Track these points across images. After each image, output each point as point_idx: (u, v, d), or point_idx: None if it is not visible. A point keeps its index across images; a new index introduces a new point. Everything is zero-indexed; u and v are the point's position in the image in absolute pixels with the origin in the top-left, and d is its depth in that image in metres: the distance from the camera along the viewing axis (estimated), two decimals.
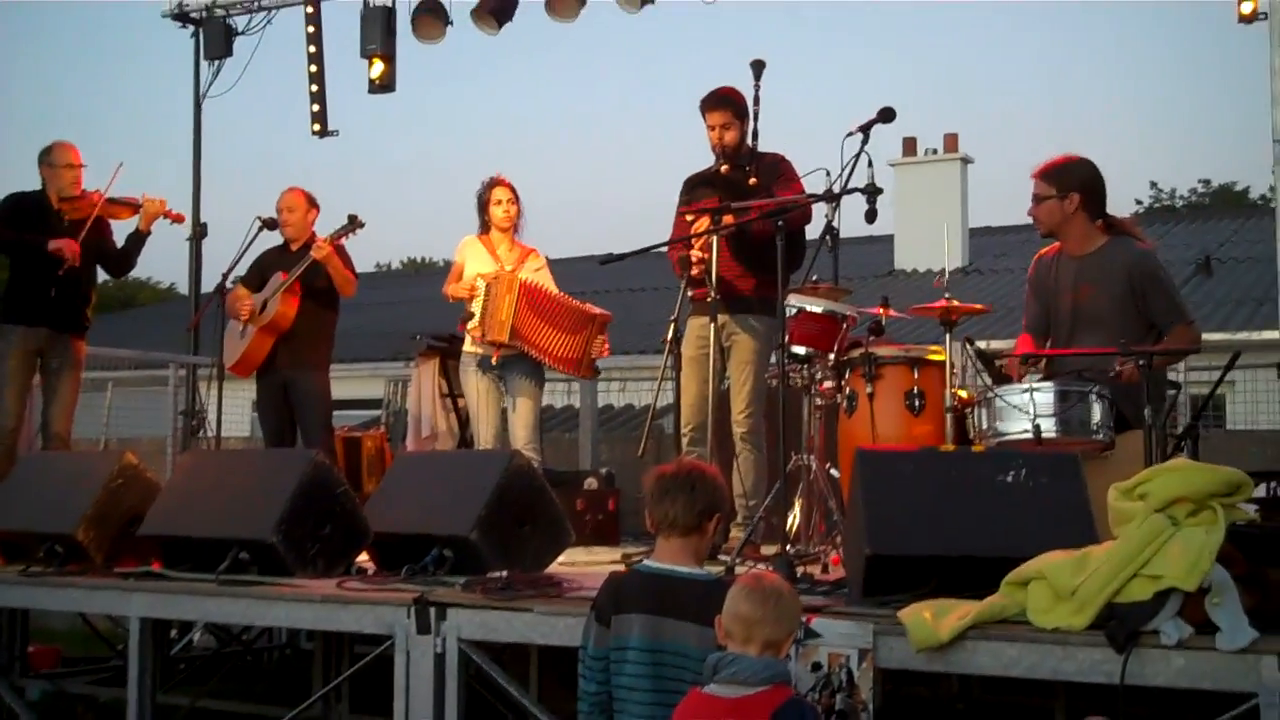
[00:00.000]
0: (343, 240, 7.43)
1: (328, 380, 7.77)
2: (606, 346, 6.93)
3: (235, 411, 10.23)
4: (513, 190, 7.20)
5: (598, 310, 6.92)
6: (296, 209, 7.69)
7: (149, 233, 7.57)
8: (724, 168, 6.37)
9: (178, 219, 7.67)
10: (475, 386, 7.16)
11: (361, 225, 7.42)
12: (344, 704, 6.98)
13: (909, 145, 20.64)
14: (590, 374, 7.21)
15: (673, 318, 5.94)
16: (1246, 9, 8.26)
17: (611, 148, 77.69)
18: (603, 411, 9.84)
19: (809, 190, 6.02)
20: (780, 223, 5.05)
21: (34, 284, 7.22)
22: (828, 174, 5.61)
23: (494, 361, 6.97)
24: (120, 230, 7.68)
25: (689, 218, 6.16)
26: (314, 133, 10.61)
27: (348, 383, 13.79)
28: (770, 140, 6.45)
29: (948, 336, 5.08)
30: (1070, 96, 71.61)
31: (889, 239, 20.66)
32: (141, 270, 38.62)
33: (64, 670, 8.01)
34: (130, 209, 7.49)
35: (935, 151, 20.53)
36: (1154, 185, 40.70)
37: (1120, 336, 5.05)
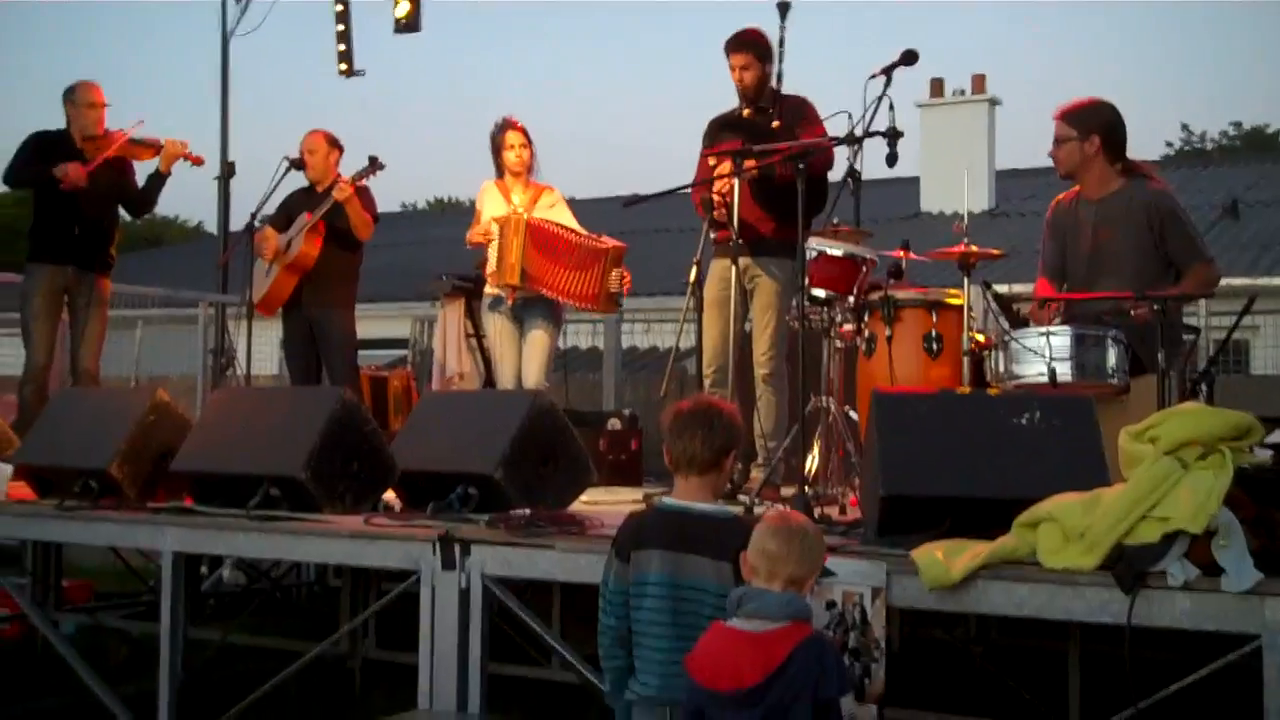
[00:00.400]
0: (364, 181, 7.49)
1: (353, 319, 7.87)
2: (627, 279, 6.88)
3: (265, 349, 10.31)
4: (524, 133, 7.23)
5: (610, 242, 6.84)
6: (318, 150, 7.77)
7: (169, 173, 7.67)
8: (746, 111, 6.41)
9: (198, 161, 7.74)
10: (495, 328, 7.26)
11: (382, 166, 7.50)
12: (370, 639, 7.14)
13: (936, 86, 20.50)
14: (610, 307, 7.11)
15: (695, 260, 6.01)
16: None
17: (639, 87, 77.39)
18: (627, 353, 9.90)
19: (831, 133, 6.05)
20: (801, 166, 5.08)
21: (58, 223, 7.34)
22: (850, 117, 5.62)
23: (510, 303, 7.05)
24: (143, 172, 7.78)
25: (711, 161, 6.20)
26: (340, 72, 10.67)
27: (374, 322, 13.88)
28: (799, 81, 6.46)
29: (965, 280, 5.12)
30: (1101, 38, 70.81)
31: (915, 180, 20.57)
32: (169, 208, 38.84)
33: (97, 604, 8.20)
34: (152, 150, 7.60)
35: (963, 92, 20.38)
36: (1185, 128, 40.49)
37: (1139, 278, 5.10)
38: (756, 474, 6.13)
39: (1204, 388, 5.03)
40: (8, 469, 5.99)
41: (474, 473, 5.08)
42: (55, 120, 7.63)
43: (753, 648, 3.29)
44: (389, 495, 5.50)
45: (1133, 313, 4.93)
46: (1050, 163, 5.64)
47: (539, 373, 7.09)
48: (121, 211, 7.87)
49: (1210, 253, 5.40)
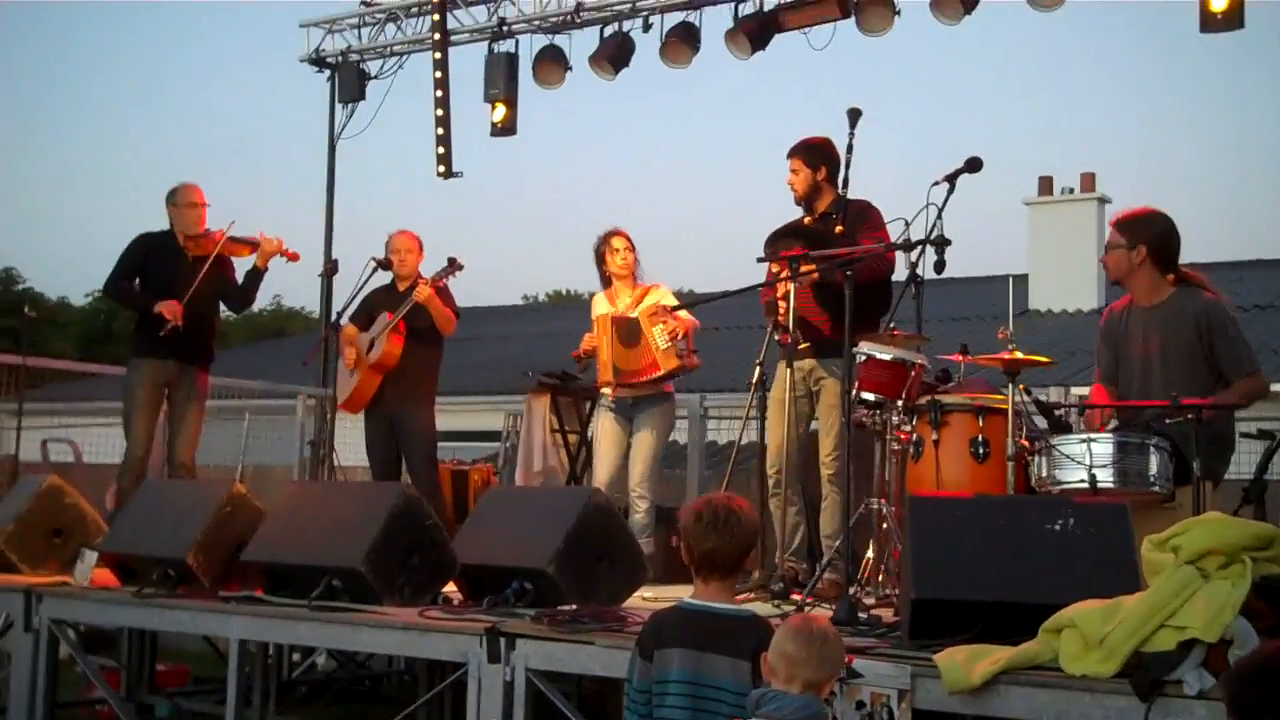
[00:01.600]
0: (444, 282, 7.73)
1: (433, 415, 8.06)
2: (677, 326, 6.96)
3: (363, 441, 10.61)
4: (627, 238, 7.39)
5: (651, 311, 7.02)
6: (414, 251, 8.04)
7: (266, 269, 7.94)
8: (808, 219, 6.55)
9: (293, 257, 8.02)
10: (600, 427, 7.43)
11: (461, 267, 7.73)
12: None
13: (1045, 184, 20.43)
14: (670, 362, 7.01)
15: (758, 361, 6.14)
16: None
17: (727, 184, 78.19)
18: (708, 446, 9.99)
19: (898, 235, 6.16)
20: (849, 273, 5.20)
21: (160, 320, 7.65)
22: (906, 224, 5.75)
23: (611, 401, 7.23)
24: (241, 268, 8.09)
25: (774, 267, 6.33)
26: (439, 174, 11.00)
27: (470, 415, 14.17)
28: (893, 181, 6.52)
29: (1010, 385, 5.17)
30: (1213, 135, 69.86)
31: (1024, 278, 20.48)
32: (295, 301, 39.98)
33: (192, 689, 8.42)
34: (249, 247, 7.89)
35: (1072, 190, 20.29)
36: None
37: (1188, 386, 5.10)
38: (833, 575, 6.13)
39: (1256, 496, 5.00)
40: (93, 556, 6.27)
41: (529, 568, 5.22)
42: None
43: None
44: (450, 588, 5.66)
45: (1167, 420, 4.94)
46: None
47: (644, 470, 7.16)
48: (223, 307, 8.18)
49: (1256, 365, 5.40)
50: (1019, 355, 5.18)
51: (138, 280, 7.89)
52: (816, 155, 6.51)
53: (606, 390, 7.24)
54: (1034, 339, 17.68)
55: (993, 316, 18.45)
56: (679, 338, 6.98)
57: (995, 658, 3.85)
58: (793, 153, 6.55)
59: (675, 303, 7.29)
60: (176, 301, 7.56)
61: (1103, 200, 20.06)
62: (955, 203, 5.60)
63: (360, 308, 8.10)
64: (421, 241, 8.10)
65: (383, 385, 7.85)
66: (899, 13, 9.01)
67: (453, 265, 7.71)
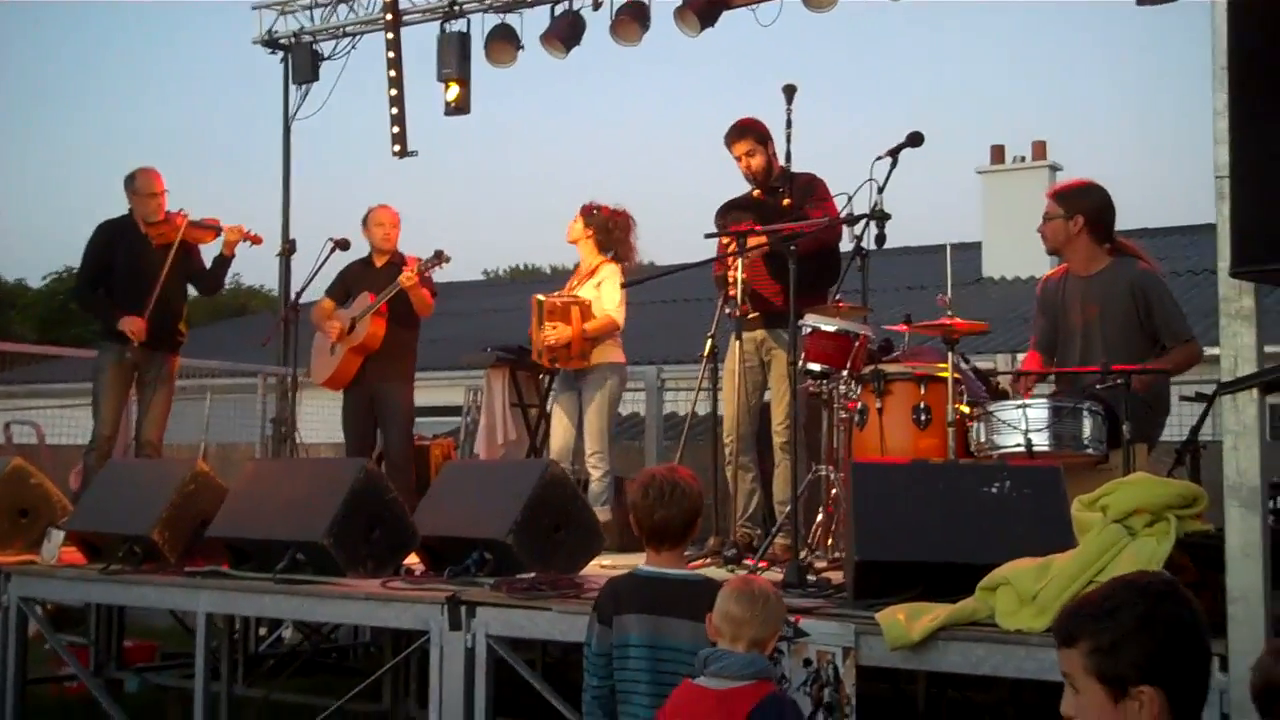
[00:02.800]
0: (429, 273, 7.83)
1: (411, 392, 8.21)
2: (553, 338, 7.22)
3: (326, 419, 10.69)
4: (583, 210, 7.59)
5: (540, 297, 7.33)
6: (396, 226, 8.16)
7: (233, 255, 8.08)
8: (757, 191, 6.70)
9: (257, 240, 8.11)
10: (556, 399, 7.68)
11: (448, 259, 7.84)
12: (412, 699, 7.40)
13: (997, 153, 20.66)
14: (545, 362, 7.49)
15: (709, 334, 6.30)
16: None
17: (673, 159, 78.54)
18: (667, 418, 10.14)
19: (841, 208, 6.32)
20: (793, 247, 5.35)
21: (128, 304, 7.74)
22: (849, 198, 5.92)
23: (548, 375, 7.41)
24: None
25: (724, 240, 6.49)
26: (394, 154, 11.06)
27: (432, 390, 14.26)
28: (845, 154, 6.65)
29: (950, 354, 5.34)
30: (1161, 103, 70.42)
31: (977, 246, 20.72)
32: (255, 279, 39.89)
33: (161, 664, 8.53)
34: (212, 232, 7.99)
35: (1023, 159, 20.53)
36: None
37: (1126, 353, 5.29)
38: (783, 539, 6.31)
39: (1188, 457, 5.19)
40: (60, 535, 6.38)
41: (488, 538, 5.38)
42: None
43: (719, 704, 3.53)
44: (412, 560, 5.80)
45: (1096, 386, 5.12)
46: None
47: (595, 442, 7.35)
48: (191, 290, 8.28)
49: (1190, 333, 5.58)
50: (957, 322, 5.35)
51: (109, 271, 7.97)
52: (763, 134, 6.68)
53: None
54: (987, 306, 17.93)
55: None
56: (555, 344, 7.23)
57: (934, 615, 4.03)
58: (741, 135, 6.70)
59: (611, 285, 7.42)
60: (140, 319, 7.66)
61: (1054, 168, 20.30)
62: (911, 172, 5.78)
63: (336, 282, 8.19)
64: (398, 215, 8.21)
65: (364, 364, 7.97)
66: None
67: (439, 257, 7.79)
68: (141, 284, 7.72)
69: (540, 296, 7.36)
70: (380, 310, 7.84)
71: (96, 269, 7.99)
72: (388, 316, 7.90)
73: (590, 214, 7.54)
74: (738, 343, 6.32)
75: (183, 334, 8.13)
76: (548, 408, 8.48)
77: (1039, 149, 20.44)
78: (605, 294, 7.37)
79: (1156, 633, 2.31)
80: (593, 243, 7.53)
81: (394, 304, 7.87)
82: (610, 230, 7.53)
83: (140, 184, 7.94)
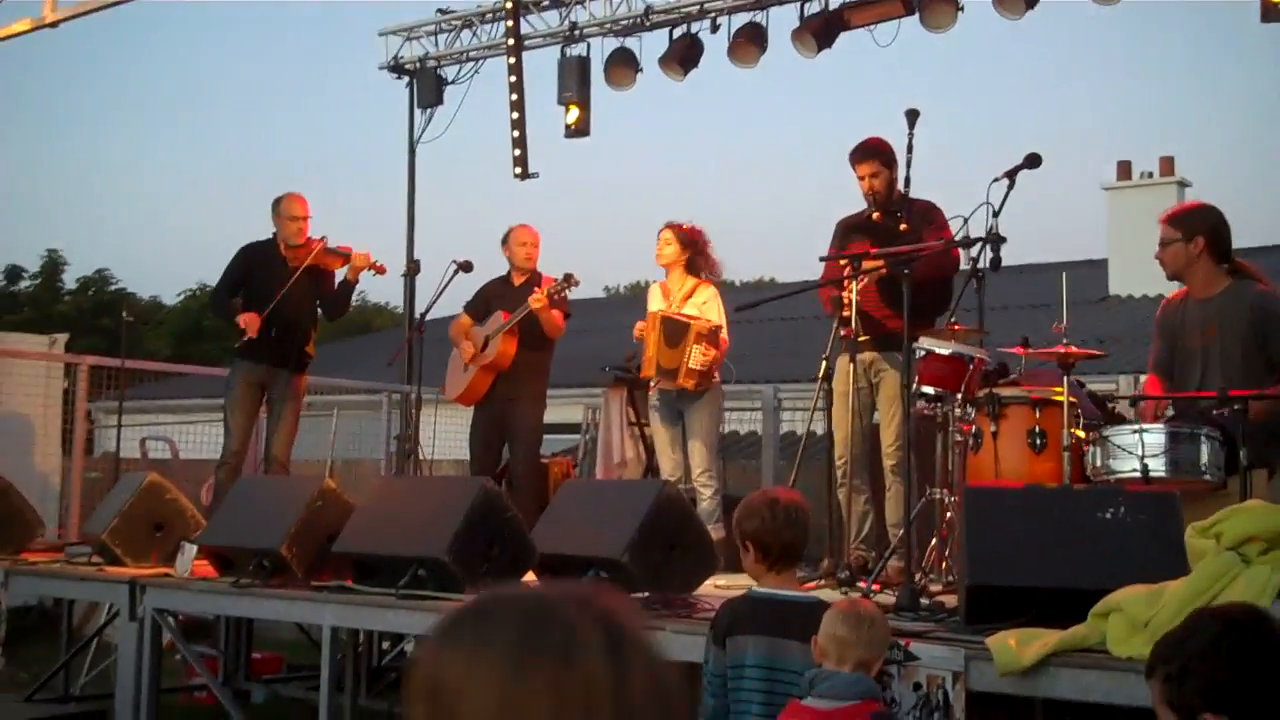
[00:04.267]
0: (560, 295, 7.93)
1: (541, 412, 8.32)
2: (710, 358, 7.19)
3: (450, 436, 10.89)
4: (674, 231, 7.61)
5: (697, 319, 7.26)
6: (537, 245, 8.31)
7: (357, 282, 8.33)
8: (875, 215, 6.72)
9: (381, 270, 8.35)
10: (654, 423, 7.71)
11: (577, 283, 7.98)
12: None
13: (1123, 169, 20.34)
14: (688, 384, 7.29)
15: (824, 355, 6.34)
16: None
17: (789, 178, 78.38)
18: (784, 438, 10.16)
19: (957, 231, 6.32)
20: (906, 271, 5.38)
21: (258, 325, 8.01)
22: (964, 220, 5.93)
23: (656, 398, 7.53)
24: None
25: (842, 262, 6.52)
26: (516, 175, 11.23)
27: (552, 408, 14.43)
28: (967, 173, 6.68)
29: (1065, 378, 5.32)
30: None
31: (1103, 263, 20.42)
32: (381, 297, 40.62)
33: (287, 675, 8.78)
34: (341, 259, 8.25)
35: (1151, 175, 20.19)
36: None
37: (1245, 377, 5.23)
38: (896, 562, 6.31)
39: None
40: (193, 548, 6.60)
41: (604, 557, 5.46)
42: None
43: None
44: (530, 577, 5.91)
45: (1214, 412, 5.07)
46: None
47: (702, 462, 7.39)
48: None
49: None
50: (1072, 350, 5.34)
51: (242, 289, 8.27)
52: (889, 157, 6.69)
53: (654, 387, 7.53)
54: (1113, 324, 17.67)
55: (1072, 302, 18.44)
56: (711, 364, 7.23)
57: (1045, 640, 4.03)
58: (867, 156, 6.71)
59: (717, 306, 7.46)
60: (255, 315, 7.94)
61: (1182, 184, 19.93)
62: (1037, 189, 5.75)
63: (476, 298, 8.37)
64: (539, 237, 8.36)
65: (494, 382, 8.13)
66: (962, 9, 9.13)
67: (568, 280, 7.93)
68: (269, 302, 7.99)
69: (660, 310, 7.40)
70: (512, 331, 7.99)
71: (232, 282, 8.31)
72: (519, 337, 8.04)
73: (681, 234, 7.60)
74: (850, 364, 6.36)
75: (309, 355, 8.36)
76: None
77: (1166, 165, 20.08)
78: (713, 316, 7.41)
79: (1224, 661, 2.31)
80: (684, 263, 7.61)
81: (525, 324, 7.99)
82: (700, 249, 7.62)
83: (284, 208, 8.24)
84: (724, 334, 7.37)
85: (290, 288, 8.00)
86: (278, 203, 8.28)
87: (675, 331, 7.28)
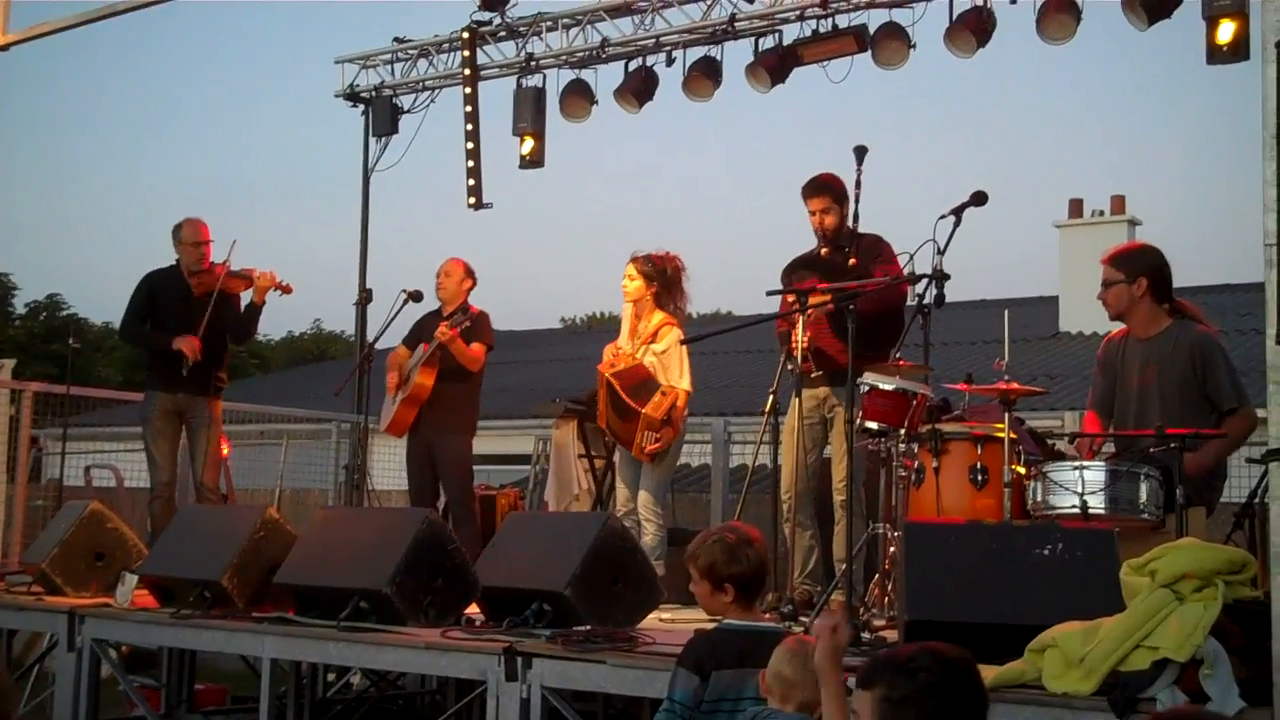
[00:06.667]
0: (457, 330, 7.92)
1: (468, 444, 8.29)
2: (656, 445, 7.11)
3: (399, 465, 10.82)
4: (638, 265, 7.43)
5: (645, 408, 7.08)
6: (452, 275, 8.30)
7: (264, 303, 8.28)
8: (824, 250, 6.76)
9: (287, 290, 8.30)
10: (617, 455, 7.69)
11: (474, 315, 8.04)
12: None
13: (1075, 207, 20.55)
14: (647, 460, 7.23)
15: (771, 389, 6.36)
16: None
17: (742, 212, 78.80)
18: (734, 471, 10.16)
19: (904, 266, 6.36)
20: (852, 306, 5.42)
21: (168, 356, 8.00)
22: (910, 257, 5.98)
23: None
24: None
25: (790, 298, 6.54)
26: (470, 205, 11.24)
27: (502, 439, 14.44)
28: (919, 209, 6.72)
29: (1007, 415, 5.36)
30: (1246, 158, 69.55)
31: (1054, 300, 20.61)
32: (336, 325, 40.46)
33: (230, 708, 8.66)
34: (246, 281, 8.22)
35: (1102, 213, 20.40)
36: None
37: (1183, 416, 5.29)
38: (839, 596, 6.32)
39: (1247, 521, 5.18)
40: (133, 578, 6.53)
41: (547, 590, 5.44)
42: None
43: None
44: (473, 609, 5.89)
45: (1150, 450, 5.12)
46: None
47: (649, 497, 7.30)
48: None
49: (1246, 400, 5.55)
50: (1014, 386, 5.38)
51: (151, 318, 8.25)
52: (841, 193, 6.73)
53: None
54: (1063, 360, 17.82)
55: (1023, 339, 18.62)
56: (667, 438, 7.14)
57: (983, 676, 4.04)
58: (819, 191, 6.75)
59: (677, 355, 7.27)
60: (194, 338, 7.90)
61: (1133, 222, 20.16)
62: (988, 226, 5.81)
63: (411, 330, 8.41)
64: (469, 268, 8.35)
65: (420, 413, 8.12)
66: (914, 46, 9.19)
67: (465, 314, 8.02)
68: (183, 330, 7.97)
69: (609, 374, 7.25)
70: (430, 362, 8.00)
71: (140, 312, 8.28)
72: (438, 369, 8.03)
73: (647, 266, 7.41)
74: (797, 400, 6.39)
75: (223, 380, 8.38)
76: (613, 459, 8.55)
77: (1118, 203, 20.31)
78: (672, 366, 7.24)
79: (940, 702, 2.69)
80: (652, 296, 7.44)
81: (445, 357, 8.00)
82: (669, 280, 7.43)
83: (185, 233, 8.22)
84: (683, 387, 7.20)
85: (210, 315, 7.98)
86: (178, 229, 8.25)
87: (625, 411, 7.16)
